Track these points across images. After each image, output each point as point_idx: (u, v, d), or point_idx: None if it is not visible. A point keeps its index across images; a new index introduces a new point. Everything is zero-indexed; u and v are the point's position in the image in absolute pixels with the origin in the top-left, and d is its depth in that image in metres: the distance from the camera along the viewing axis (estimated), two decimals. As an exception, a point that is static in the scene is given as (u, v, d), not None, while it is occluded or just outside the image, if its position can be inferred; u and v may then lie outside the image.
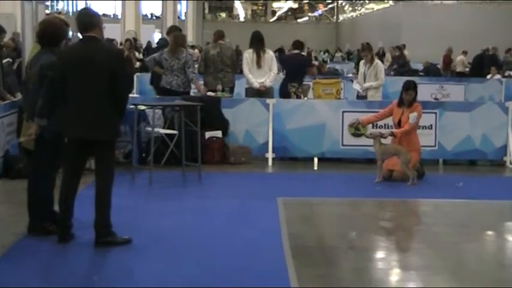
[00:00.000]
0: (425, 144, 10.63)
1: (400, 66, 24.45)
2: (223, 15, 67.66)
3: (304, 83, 14.03)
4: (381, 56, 29.71)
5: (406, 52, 26.83)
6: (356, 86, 12.74)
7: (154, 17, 52.93)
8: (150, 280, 5.52)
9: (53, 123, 6.44)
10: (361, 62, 12.93)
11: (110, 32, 26.21)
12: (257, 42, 11.93)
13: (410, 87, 9.92)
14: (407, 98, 9.87)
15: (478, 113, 11.43)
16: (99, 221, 6.32)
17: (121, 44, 23.13)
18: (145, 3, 44.92)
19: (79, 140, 6.37)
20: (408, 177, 9.53)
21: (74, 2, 30.33)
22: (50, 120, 6.43)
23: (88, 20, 6.41)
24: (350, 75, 13.14)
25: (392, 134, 9.82)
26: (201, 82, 12.17)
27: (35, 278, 5.58)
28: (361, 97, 12.48)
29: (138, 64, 19.83)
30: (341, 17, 63.77)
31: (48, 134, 6.47)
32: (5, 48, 13.13)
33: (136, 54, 22.28)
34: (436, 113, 11.30)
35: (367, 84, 12.40)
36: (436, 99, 17.85)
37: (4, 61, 11.04)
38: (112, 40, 19.91)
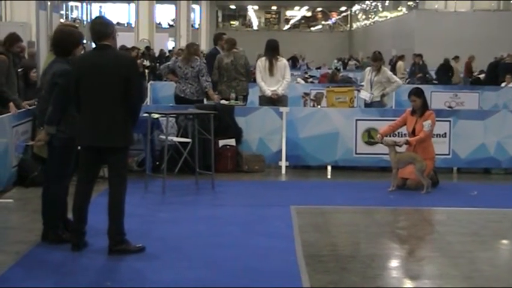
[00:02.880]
0: (439, 153, 10.59)
1: (420, 73, 24.49)
2: (237, 23, 67.79)
3: (318, 91, 14.08)
4: (394, 64, 29.61)
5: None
6: (363, 95, 12.68)
7: (168, 26, 53.19)
8: (163, 287, 5.55)
9: (62, 130, 6.47)
10: (367, 70, 12.88)
11: (124, 40, 26.35)
12: (271, 50, 11.94)
13: (411, 94, 9.99)
14: (413, 105, 9.92)
15: (492, 121, 11.39)
16: (112, 228, 6.34)
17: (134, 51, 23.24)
18: (159, 12, 45.11)
19: (93, 147, 6.39)
20: (422, 186, 9.50)
21: (89, 10, 30.49)
22: (60, 127, 6.47)
23: (103, 29, 6.44)
24: (363, 83, 13.08)
25: (407, 143, 9.81)
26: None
27: (48, 284, 5.60)
28: (368, 105, 12.44)
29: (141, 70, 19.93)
30: (354, 25, 63.73)
31: (57, 141, 6.50)
32: (25, 55, 13.20)
33: (145, 62, 22.41)
34: (450, 121, 11.27)
35: (388, 90, 12.40)
36: (450, 107, 17.79)
37: (19, 70, 11.10)
38: (127, 49, 20.00)
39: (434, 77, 25.03)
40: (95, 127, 6.34)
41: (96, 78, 6.31)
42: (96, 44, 6.48)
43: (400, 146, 9.77)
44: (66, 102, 6.45)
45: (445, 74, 23.91)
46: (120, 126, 6.36)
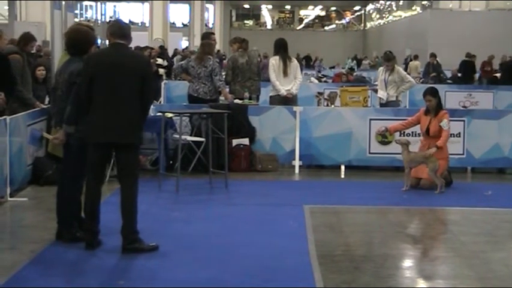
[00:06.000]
0: (453, 152, 10.56)
1: (434, 72, 24.41)
2: (251, 23, 67.81)
3: (332, 90, 14.06)
4: (407, 63, 29.52)
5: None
6: (380, 95, 12.63)
7: (182, 25, 53.26)
8: (175, 286, 5.55)
9: (79, 129, 6.50)
10: (380, 69, 12.81)
11: (138, 40, 26.43)
12: (283, 50, 11.91)
13: (426, 93, 9.95)
14: (427, 104, 9.90)
15: (506, 120, 11.34)
16: (126, 227, 6.36)
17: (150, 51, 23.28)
18: (173, 11, 45.17)
19: (106, 145, 6.41)
20: (436, 185, 9.48)
21: (103, 10, 30.63)
22: (77, 127, 6.50)
23: (124, 28, 6.52)
24: (376, 83, 13.03)
25: (438, 147, 9.63)
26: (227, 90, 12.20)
27: (62, 283, 5.63)
28: (383, 105, 12.40)
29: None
30: (368, 25, 63.59)
31: (75, 140, 6.53)
32: (42, 54, 13.28)
33: (160, 60, 22.47)
34: (464, 120, 11.23)
35: (401, 89, 12.33)
36: (464, 107, 17.73)
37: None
38: (141, 48, 20.06)
39: (448, 76, 24.89)
40: (110, 124, 6.35)
41: (112, 76, 6.34)
42: (111, 41, 6.51)
43: (431, 154, 9.56)
44: (85, 101, 6.48)
45: (469, 72, 23.61)
46: (134, 124, 6.40)
